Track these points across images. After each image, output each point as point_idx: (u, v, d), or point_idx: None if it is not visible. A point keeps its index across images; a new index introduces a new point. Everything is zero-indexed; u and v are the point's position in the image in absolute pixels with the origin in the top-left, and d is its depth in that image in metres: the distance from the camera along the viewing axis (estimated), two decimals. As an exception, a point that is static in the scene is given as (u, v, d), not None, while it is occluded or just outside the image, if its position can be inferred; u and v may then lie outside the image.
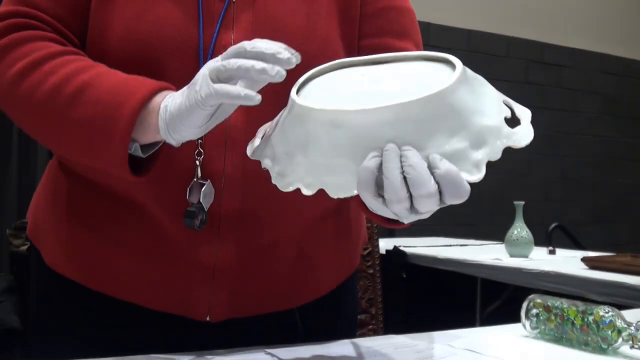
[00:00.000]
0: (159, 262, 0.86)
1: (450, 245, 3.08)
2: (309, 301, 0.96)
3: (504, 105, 0.66)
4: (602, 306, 0.94)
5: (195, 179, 0.82)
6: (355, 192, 0.64)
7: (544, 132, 4.46)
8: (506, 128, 0.64)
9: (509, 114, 0.65)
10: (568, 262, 2.40)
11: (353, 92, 0.65)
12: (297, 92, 0.68)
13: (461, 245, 3.15)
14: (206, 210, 0.82)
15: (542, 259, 2.50)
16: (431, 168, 0.61)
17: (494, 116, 0.64)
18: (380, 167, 0.61)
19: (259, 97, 0.67)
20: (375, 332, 2.48)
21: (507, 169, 4.20)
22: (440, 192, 0.61)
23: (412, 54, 0.68)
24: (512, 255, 2.53)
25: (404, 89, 0.63)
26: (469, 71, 0.65)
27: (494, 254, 2.63)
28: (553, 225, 2.77)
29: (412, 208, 0.62)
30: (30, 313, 0.95)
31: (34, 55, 0.78)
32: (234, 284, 0.88)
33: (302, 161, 0.66)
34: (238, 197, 0.85)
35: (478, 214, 4.07)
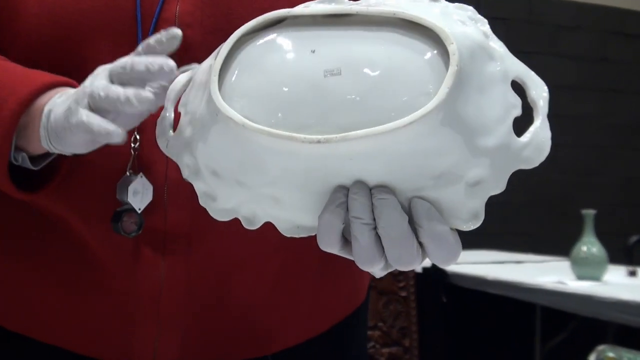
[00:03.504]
0: (89, 293, 0.84)
1: (503, 262, 3.08)
2: (290, 346, 0.92)
3: (512, 93, 0.60)
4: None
5: (127, 173, 0.80)
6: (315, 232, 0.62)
7: (623, 121, 4.46)
8: (515, 141, 0.59)
9: (518, 109, 0.60)
10: (653, 287, 2.40)
11: (300, 85, 0.60)
12: (220, 72, 0.64)
13: (516, 262, 3.14)
14: (139, 211, 0.80)
15: (619, 283, 2.47)
16: (413, 221, 0.59)
17: (499, 126, 0.59)
18: (346, 212, 0.59)
19: (123, 136, 0.69)
20: (410, 369, 2.67)
21: (575, 166, 4.24)
22: (421, 246, 0.60)
23: (387, 12, 0.60)
24: (580, 278, 2.49)
25: (371, 88, 0.58)
26: (465, 55, 0.57)
27: (557, 274, 2.59)
28: (634, 238, 2.79)
29: (387, 265, 0.60)
30: None
31: None
32: (186, 321, 0.85)
33: (236, 187, 0.63)
34: (187, 205, 0.82)
35: (538, 221, 4.11)
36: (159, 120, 0.70)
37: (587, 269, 2.46)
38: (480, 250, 3.46)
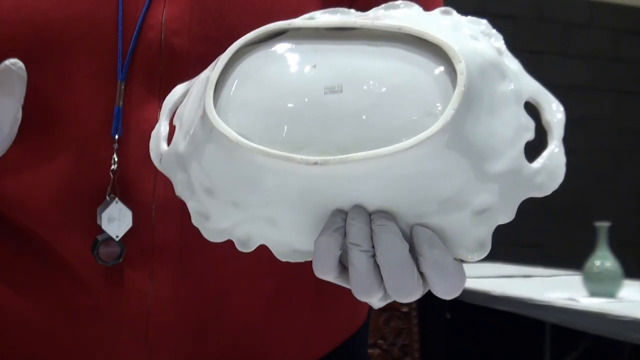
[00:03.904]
0: (71, 317, 0.83)
1: (510, 276, 3.08)
2: None
3: (525, 114, 0.60)
4: None
5: (107, 197, 0.80)
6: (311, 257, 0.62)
7: (638, 124, 4.48)
8: (526, 167, 0.59)
9: (531, 132, 0.60)
10: (672, 304, 2.35)
11: (299, 101, 0.60)
12: (217, 85, 0.64)
13: (524, 276, 3.13)
14: (117, 239, 0.80)
15: (634, 300, 2.43)
16: (414, 250, 0.58)
17: (509, 150, 0.58)
18: (344, 237, 0.59)
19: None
20: (410, 388, 2.71)
21: (587, 173, 4.24)
22: (422, 275, 0.60)
23: (392, 26, 0.60)
24: (593, 294, 2.45)
25: (373, 106, 0.58)
26: (474, 73, 0.58)
27: (568, 290, 2.57)
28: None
29: (386, 296, 0.60)
30: None
31: None
32: (176, 346, 0.84)
33: (231, 207, 0.63)
34: (176, 224, 0.82)
35: (547, 231, 4.15)
36: (153, 133, 0.70)
37: (600, 285, 2.44)
38: (485, 262, 3.47)
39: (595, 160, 4.28)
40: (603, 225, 2.46)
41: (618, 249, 2.49)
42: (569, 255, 3.44)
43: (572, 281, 2.77)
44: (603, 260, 2.43)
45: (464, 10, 0.69)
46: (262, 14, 0.82)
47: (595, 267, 2.43)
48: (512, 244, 3.72)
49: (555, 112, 0.62)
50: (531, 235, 3.96)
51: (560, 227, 4.11)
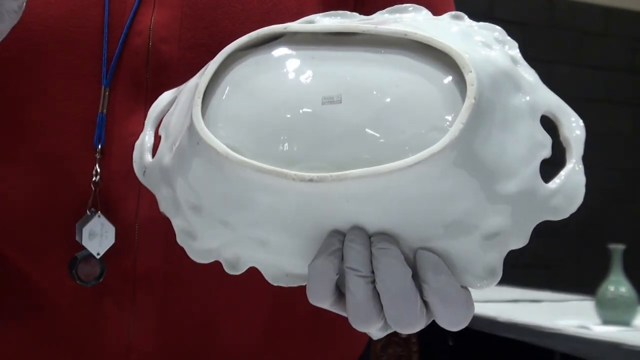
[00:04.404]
0: (46, 347, 0.84)
1: (518, 301, 3.07)
2: None
3: (541, 130, 0.60)
4: None
5: (87, 212, 0.80)
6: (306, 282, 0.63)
7: None
8: (541, 187, 0.59)
9: (547, 149, 0.60)
10: (693, 335, 2.32)
11: (294, 112, 0.60)
12: (206, 93, 0.64)
13: (533, 300, 3.13)
14: (98, 256, 0.80)
15: None
16: (417, 276, 0.58)
17: (523, 169, 0.58)
18: (341, 261, 0.60)
19: None
20: (411, 421, 2.59)
21: (603, 191, 4.26)
22: (426, 304, 0.60)
23: (397, 32, 0.60)
24: (606, 322, 2.44)
25: (375, 119, 0.58)
26: (486, 84, 0.57)
27: (580, 316, 2.56)
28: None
29: (386, 326, 0.60)
30: None
31: None
32: None
33: (219, 226, 0.63)
34: (161, 246, 0.82)
35: (559, 253, 4.22)
36: (136, 143, 0.70)
37: (614, 312, 2.43)
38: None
39: (610, 178, 4.33)
40: (618, 247, 2.45)
41: (633, 274, 2.50)
42: (580, 279, 3.50)
43: (584, 307, 2.78)
44: (617, 285, 2.42)
45: (470, 16, 0.68)
46: (259, 18, 0.82)
47: (609, 293, 2.43)
48: (520, 265, 3.70)
49: (574, 128, 0.62)
50: (540, 256, 3.99)
51: (572, 249, 4.19)
